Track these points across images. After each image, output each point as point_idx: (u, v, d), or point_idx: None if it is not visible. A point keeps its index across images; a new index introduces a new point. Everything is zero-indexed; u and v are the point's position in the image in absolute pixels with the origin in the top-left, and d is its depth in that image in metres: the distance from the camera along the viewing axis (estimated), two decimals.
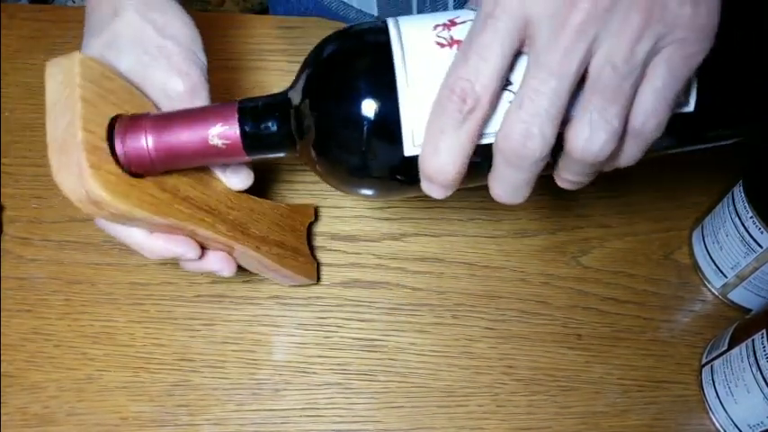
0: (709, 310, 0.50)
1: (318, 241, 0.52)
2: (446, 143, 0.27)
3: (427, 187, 0.29)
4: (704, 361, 0.47)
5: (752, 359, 0.41)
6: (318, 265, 0.50)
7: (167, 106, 0.37)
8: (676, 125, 0.28)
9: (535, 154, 0.26)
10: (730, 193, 0.46)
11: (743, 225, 0.45)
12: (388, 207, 0.53)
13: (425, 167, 0.28)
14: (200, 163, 0.35)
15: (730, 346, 0.44)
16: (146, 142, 0.33)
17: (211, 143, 0.33)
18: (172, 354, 0.48)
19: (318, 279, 0.50)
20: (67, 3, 0.63)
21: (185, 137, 0.33)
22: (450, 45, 0.29)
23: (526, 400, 0.47)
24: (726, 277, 0.48)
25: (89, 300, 0.49)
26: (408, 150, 0.29)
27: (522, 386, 0.47)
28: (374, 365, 0.48)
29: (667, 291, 0.51)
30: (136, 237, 0.37)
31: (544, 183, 0.30)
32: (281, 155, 0.35)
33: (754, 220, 0.44)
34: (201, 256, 0.39)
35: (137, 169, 0.33)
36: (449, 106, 0.26)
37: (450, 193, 0.29)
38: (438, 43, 0.29)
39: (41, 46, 0.58)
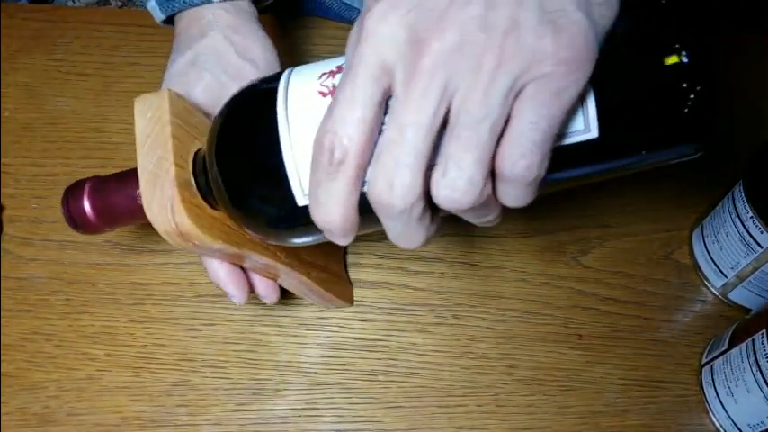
0: (709, 310, 0.50)
1: None
2: (325, 196, 0.26)
3: (328, 235, 0.28)
4: (704, 361, 0.47)
5: (752, 359, 0.41)
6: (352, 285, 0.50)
7: None
8: (582, 154, 0.27)
9: (399, 205, 0.25)
10: (730, 193, 0.46)
11: (743, 225, 0.45)
12: None
13: (314, 219, 0.27)
14: (140, 221, 0.35)
15: (730, 346, 0.44)
16: (85, 204, 0.34)
17: (139, 202, 0.33)
18: (172, 354, 0.48)
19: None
20: (67, 3, 0.63)
21: (116, 198, 0.34)
22: (332, 93, 0.27)
23: (526, 400, 0.47)
24: (726, 277, 0.48)
25: (89, 300, 0.49)
26: (300, 201, 0.29)
27: (522, 386, 0.47)
28: (375, 365, 0.48)
29: (667, 291, 0.51)
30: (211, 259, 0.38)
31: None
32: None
33: (754, 220, 0.44)
34: (243, 300, 0.39)
35: (86, 228, 0.35)
36: (320, 160, 0.25)
37: (351, 239, 0.28)
38: (321, 92, 0.28)
39: (41, 46, 0.58)
